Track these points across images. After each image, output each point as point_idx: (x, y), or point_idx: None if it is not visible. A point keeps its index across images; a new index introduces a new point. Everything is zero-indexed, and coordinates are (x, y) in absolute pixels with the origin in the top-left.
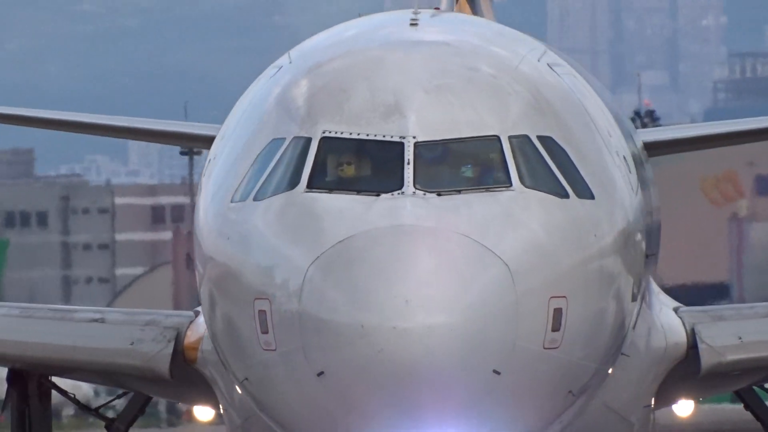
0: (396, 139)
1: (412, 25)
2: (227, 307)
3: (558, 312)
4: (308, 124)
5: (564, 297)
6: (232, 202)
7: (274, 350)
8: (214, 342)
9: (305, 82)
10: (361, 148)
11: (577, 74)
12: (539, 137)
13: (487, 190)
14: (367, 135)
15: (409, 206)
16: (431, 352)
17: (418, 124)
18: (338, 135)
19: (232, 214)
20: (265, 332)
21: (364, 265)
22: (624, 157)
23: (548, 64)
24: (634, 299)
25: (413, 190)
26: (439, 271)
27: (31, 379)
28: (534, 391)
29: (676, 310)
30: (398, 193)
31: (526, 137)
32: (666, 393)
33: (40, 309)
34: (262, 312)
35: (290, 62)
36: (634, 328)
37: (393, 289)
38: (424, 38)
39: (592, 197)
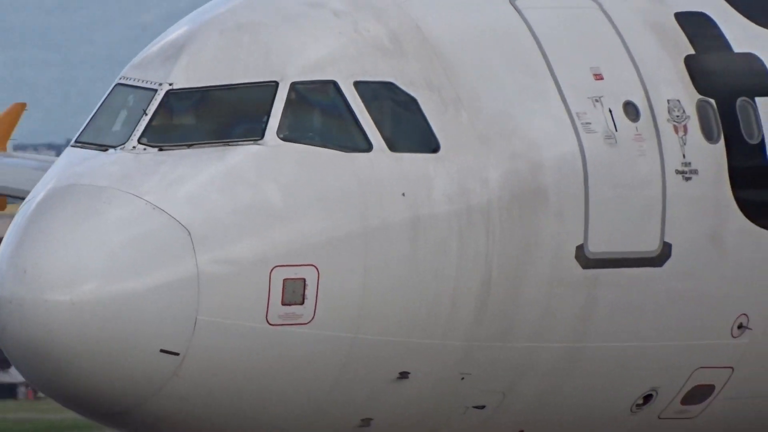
0: (153, 86)
1: None
2: None
3: (295, 282)
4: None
5: (312, 266)
6: None
7: None
8: None
9: None
10: (132, 96)
11: (595, 11)
12: (361, 83)
13: (227, 144)
14: (141, 82)
15: (106, 163)
16: (51, 329)
17: (185, 69)
18: (124, 81)
19: None
20: None
21: (15, 230)
22: (626, 106)
23: (510, 1)
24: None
25: (134, 144)
26: (77, 236)
27: None
28: (273, 372)
29: None
30: (120, 148)
31: (330, 83)
32: None
33: None
34: None
35: None
36: None
37: (16, 258)
38: None
39: (434, 150)
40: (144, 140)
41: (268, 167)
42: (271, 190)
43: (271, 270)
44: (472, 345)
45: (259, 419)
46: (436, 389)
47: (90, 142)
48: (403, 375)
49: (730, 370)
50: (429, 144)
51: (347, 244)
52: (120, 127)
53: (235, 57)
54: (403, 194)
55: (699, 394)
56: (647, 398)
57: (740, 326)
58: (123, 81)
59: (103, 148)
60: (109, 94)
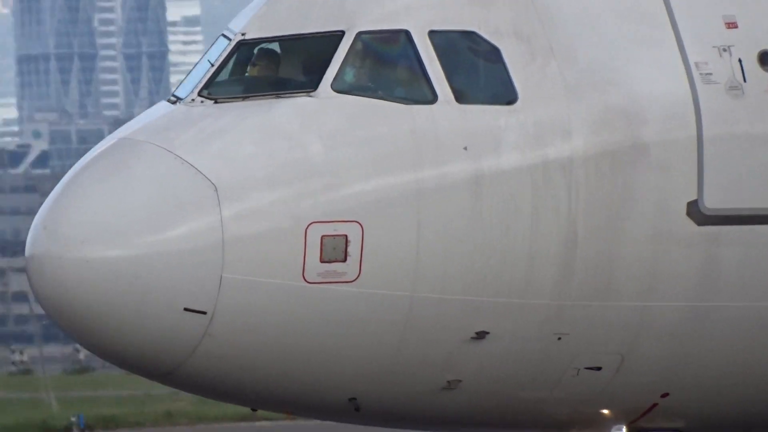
0: (230, 35)
1: None
2: None
3: (336, 239)
4: None
5: (356, 222)
6: None
7: None
8: None
9: None
10: (221, 49)
11: None
12: (437, 32)
13: (279, 96)
14: (230, 33)
15: (158, 117)
16: (65, 287)
17: (261, 19)
18: (225, 33)
19: None
20: None
21: (59, 185)
22: (762, 55)
23: None
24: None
25: (194, 97)
26: (98, 191)
27: None
28: (319, 330)
29: None
30: (183, 101)
31: (401, 33)
32: None
33: None
34: None
35: None
36: None
37: (44, 213)
38: None
39: (510, 102)
40: (205, 93)
41: (313, 120)
42: (312, 143)
43: (307, 226)
44: (563, 304)
45: (316, 377)
46: (527, 349)
47: (174, 94)
48: (481, 335)
49: None
50: (505, 96)
51: (397, 199)
52: (195, 78)
53: (311, 6)
54: (465, 148)
55: None
56: None
57: None
58: (225, 32)
59: (175, 100)
60: (211, 46)
